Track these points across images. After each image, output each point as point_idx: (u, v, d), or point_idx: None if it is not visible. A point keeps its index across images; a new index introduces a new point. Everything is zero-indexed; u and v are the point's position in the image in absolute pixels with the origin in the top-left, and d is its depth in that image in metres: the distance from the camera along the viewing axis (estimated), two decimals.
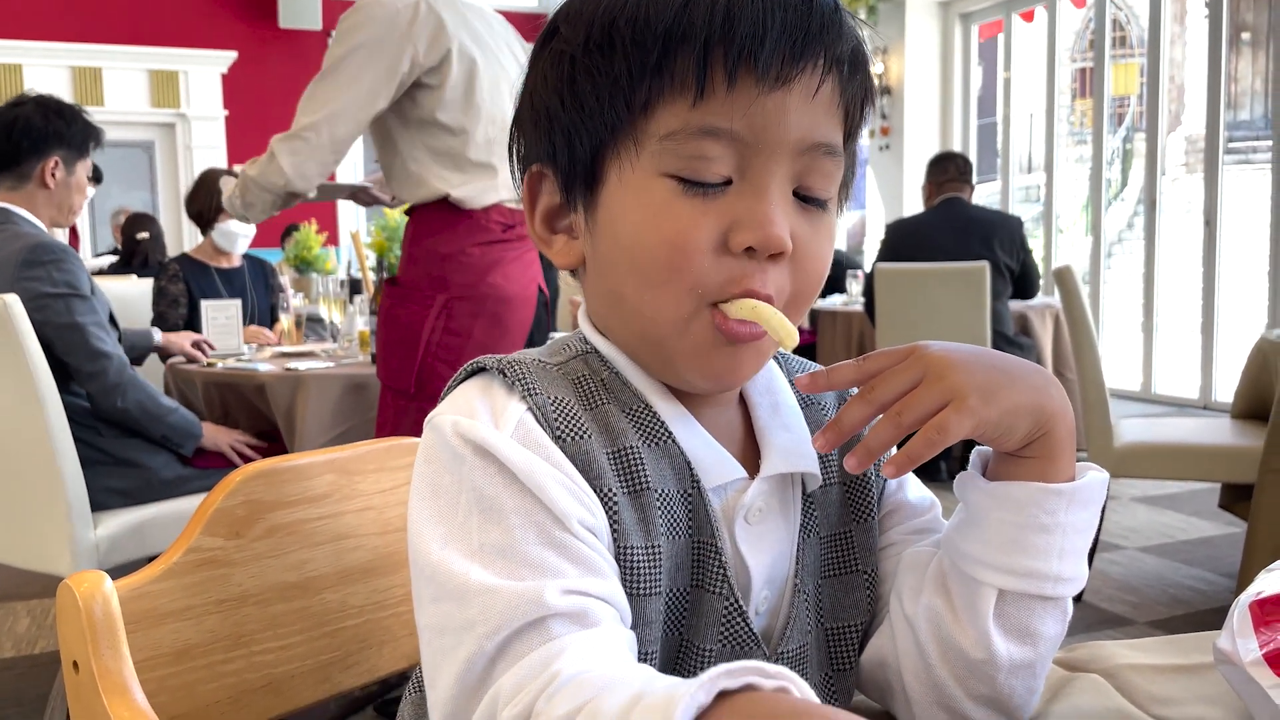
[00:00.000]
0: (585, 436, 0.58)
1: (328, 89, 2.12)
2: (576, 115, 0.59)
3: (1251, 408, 3.05)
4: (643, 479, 0.58)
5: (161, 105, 8.64)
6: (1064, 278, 3.05)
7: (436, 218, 2.22)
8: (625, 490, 0.58)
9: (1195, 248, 6.27)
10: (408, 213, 2.31)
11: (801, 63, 0.56)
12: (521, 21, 2.07)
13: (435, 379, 2.22)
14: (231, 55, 8.72)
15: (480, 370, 0.62)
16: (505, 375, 0.60)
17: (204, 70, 8.70)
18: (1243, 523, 3.05)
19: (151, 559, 2.56)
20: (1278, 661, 0.58)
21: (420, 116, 2.18)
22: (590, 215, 0.61)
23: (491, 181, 2.23)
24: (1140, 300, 6.70)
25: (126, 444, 2.42)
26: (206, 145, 8.73)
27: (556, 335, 2.89)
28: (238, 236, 3.62)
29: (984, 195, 8.42)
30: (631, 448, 0.59)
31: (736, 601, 0.60)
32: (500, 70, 2.26)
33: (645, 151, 0.58)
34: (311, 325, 3.32)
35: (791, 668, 0.62)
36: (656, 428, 0.61)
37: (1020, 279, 4.51)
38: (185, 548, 0.76)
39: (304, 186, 2.17)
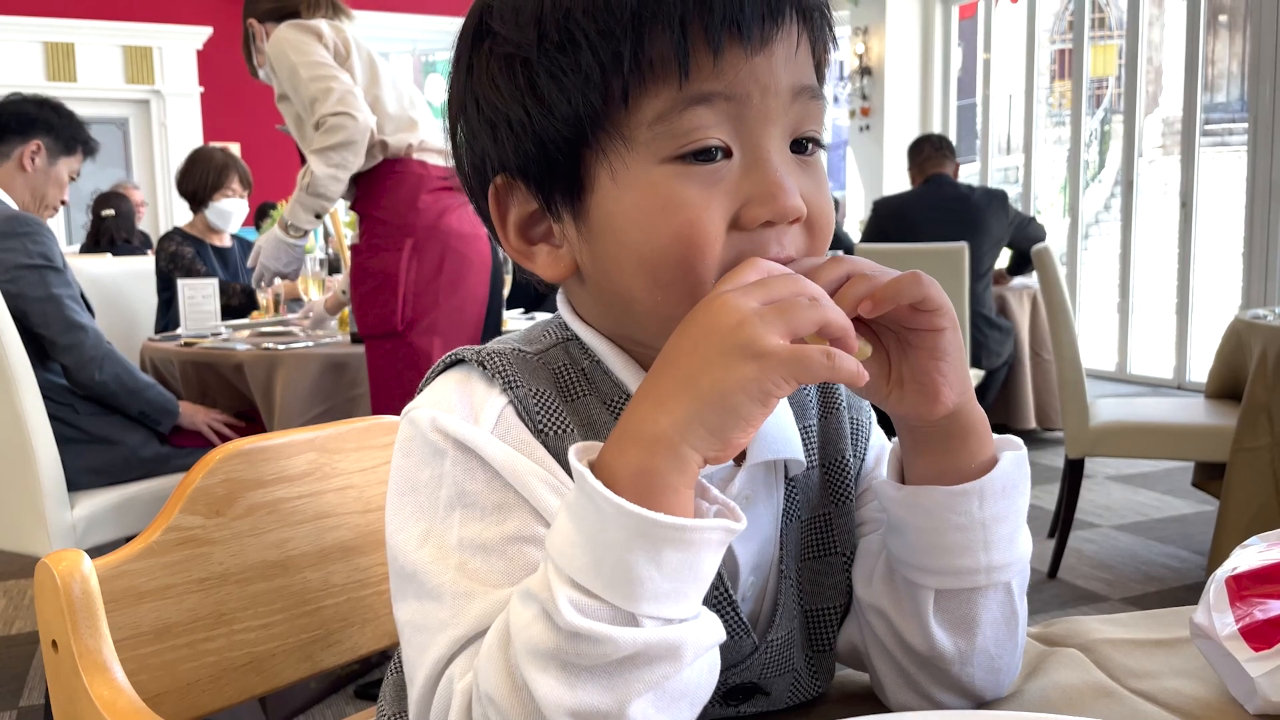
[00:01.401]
0: (567, 431, 0.57)
1: (302, 79, 2.36)
2: (546, 121, 0.55)
3: (1225, 387, 3.09)
4: None
5: (136, 81, 8.52)
6: (1042, 258, 3.07)
7: (384, 178, 2.46)
8: None
9: (1171, 229, 6.32)
10: (352, 191, 2.51)
11: (778, 18, 0.55)
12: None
13: (421, 315, 2.40)
14: (207, 31, 8.61)
15: (458, 361, 0.61)
16: (485, 367, 0.59)
17: (179, 46, 8.59)
18: (1215, 501, 3.09)
19: (130, 539, 2.55)
20: (1253, 635, 0.59)
21: None
22: (581, 221, 0.57)
23: (414, 129, 2.49)
24: (1117, 281, 6.75)
25: (104, 422, 2.40)
26: (182, 122, 8.63)
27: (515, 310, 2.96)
28: (231, 215, 3.61)
29: (964, 176, 8.44)
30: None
31: (726, 591, 0.60)
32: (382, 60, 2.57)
33: (636, 143, 0.54)
34: (291, 305, 3.30)
35: (780, 653, 0.62)
36: None
37: (1017, 250, 4.49)
38: (165, 526, 0.76)
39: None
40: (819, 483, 0.66)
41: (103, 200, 5.50)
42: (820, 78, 0.60)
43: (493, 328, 2.70)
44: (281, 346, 2.63)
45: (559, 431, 0.57)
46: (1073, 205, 7.18)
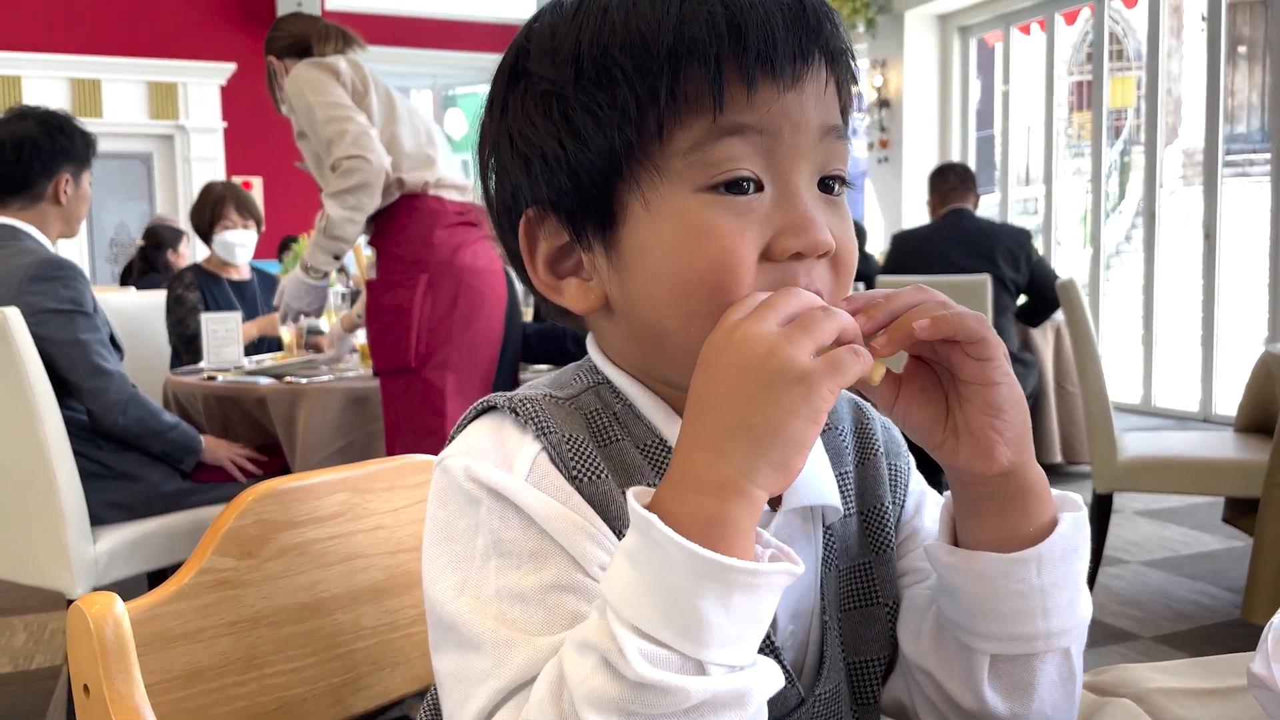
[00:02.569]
0: (602, 476, 0.57)
1: (319, 118, 2.41)
2: (581, 154, 0.57)
3: (1255, 421, 3.04)
4: None
5: (160, 117, 8.64)
6: (1068, 291, 3.05)
7: (399, 215, 2.47)
8: None
9: (1191, 260, 6.28)
10: (369, 227, 2.54)
11: (808, 59, 0.56)
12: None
13: (434, 351, 2.41)
14: (230, 67, 8.73)
15: (490, 409, 0.60)
16: (517, 414, 0.58)
17: (203, 82, 8.71)
18: (1245, 537, 3.04)
19: (151, 574, 2.54)
20: None
21: None
22: (613, 251, 0.58)
23: (430, 167, 2.52)
24: (1140, 313, 6.70)
25: (126, 457, 2.41)
26: (205, 157, 8.73)
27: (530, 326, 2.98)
28: (235, 246, 3.62)
29: (983, 208, 8.43)
30: (649, 486, 0.58)
31: (769, 639, 0.59)
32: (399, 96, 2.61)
33: (669, 173, 0.55)
34: (312, 338, 3.31)
35: (828, 706, 0.61)
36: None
37: (1035, 295, 4.43)
38: (197, 569, 0.75)
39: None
40: (857, 531, 0.65)
41: (149, 233, 5.62)
42: (845, 120, 0.60)
43: (508, 364, 2.70)
44: (304, 380, 2.63)
45: (593, 477, 0.56)
46: (1094, 236, 7.15)
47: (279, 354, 3.04)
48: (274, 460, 2.67)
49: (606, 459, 0.58)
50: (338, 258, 2.54)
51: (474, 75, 9.70)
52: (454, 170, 2.58)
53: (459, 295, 2.44)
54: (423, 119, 2.63)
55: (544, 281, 0.61)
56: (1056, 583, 0.56)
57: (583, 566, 0.54)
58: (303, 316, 2.82)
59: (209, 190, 3.79)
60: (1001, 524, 0.56)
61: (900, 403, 0.56)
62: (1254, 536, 2.76)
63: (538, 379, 0.65)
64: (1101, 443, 3.00)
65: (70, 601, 2.23)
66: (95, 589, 2.24)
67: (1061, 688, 0.59)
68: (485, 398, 0.61)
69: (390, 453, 2.44)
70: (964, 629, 0.58)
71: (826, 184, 0.58)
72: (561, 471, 0.56)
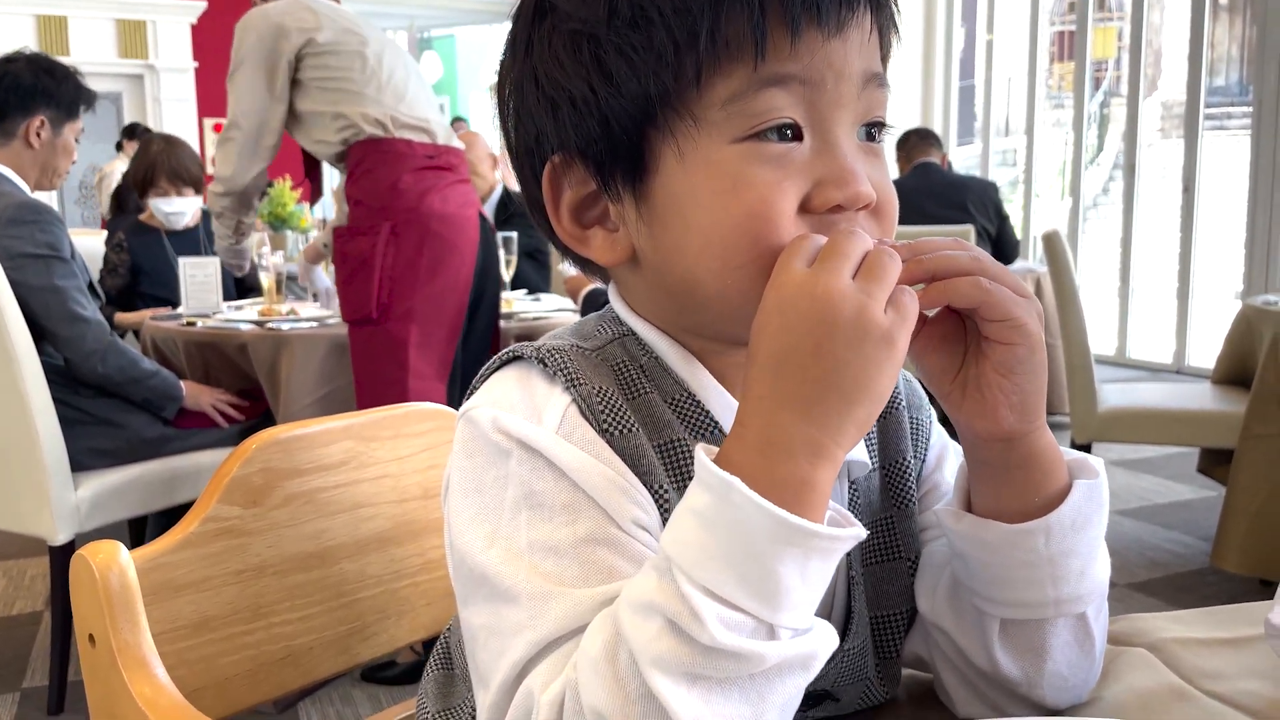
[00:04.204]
0: (632, 430, 0.55)
1: (233, 93, 2.43)
2: (612, 99, 0.54)
3: (1233, 374, 3.08)
4: (693, 473, 0.56)
5: (129, 56, 8.44)
6: (1052, 243, 3.05)
7: (366, 157, 2.39)
8: (676, 486, 0.55)
9: (1170, 213, 6.30)
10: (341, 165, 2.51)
11: (854, 4, 0.54)
12: None
13: (397, 301, 2.36)
14: (201, 5, 8.52)
15: (515, 358, 0.59)
16: (545, 364, 0.56)
17: (173, 20, 8.50)
18: (1219, 487, 3.09)
19: (134, 520, 2.52)
20: None
21: (310, 78, 2.41)
22: (642, 202, 0.56)
23: (393, 103, 2.43)
24: (1117, 265, 6.74)
25: (106, 404, 2.38)
26: (176, 98, 8.55)
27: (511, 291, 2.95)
28: (169, 214, 3.47)
29: (964, 158, 8.42)
30: (679, 440, 0.56)
31: None
32: (373, 33, 2.50)
33: (706, 123, 0.53)
34: (290, 284, 3.26)
35: (855, 661, 0.61)
36: (702, 418, 0.58)
37: (998, 245, 4.55)
38: (201, 517, 0.74)
39: (242, 182, 2.48)
40: (880, 486, 0.64)
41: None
42: (885, 66, 0.59)
43: (489, 311, 2.65)
44: (286, 326, 2.60)
45: (624, 430, 0.55)
46: (1073, 188, 7.17)
47: (264, 305, 2.99)
48: (256, 406, 2.65)
49: (635, 411, 0.56)
50: (237, 233, 2.64)
51: (451, 17, 9.51)
52: (425, 110, 2.48)
53: (424, 243, 2.37)
54: (397, 57, 2.52)
55: (568, 232, 0.59)
56: (1066, 552, 0.55)
57: (616, 521, 0.52)
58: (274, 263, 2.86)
59: (145, 150, 3.57)
60: (1008, 492, 0.56)
61: (918, 343, 0.55)
62: (1227, 486, 2.80)
63: (559, 328, 0.64)
64: (1082, 395, 3.03)
65: (52, 548, 2.22)
66: (77, 535, 2.23)
67: (1077, 649, 0.58)
68: (511, 347, 0.59)
69: (359, 403, 2.42)
70: (974, 592, 0.58)
71: (868, 131, 0.57)
72: (591, 424, 0.55)
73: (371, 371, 2.39)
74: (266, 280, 3.11)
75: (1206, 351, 5.64)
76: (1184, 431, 3.00)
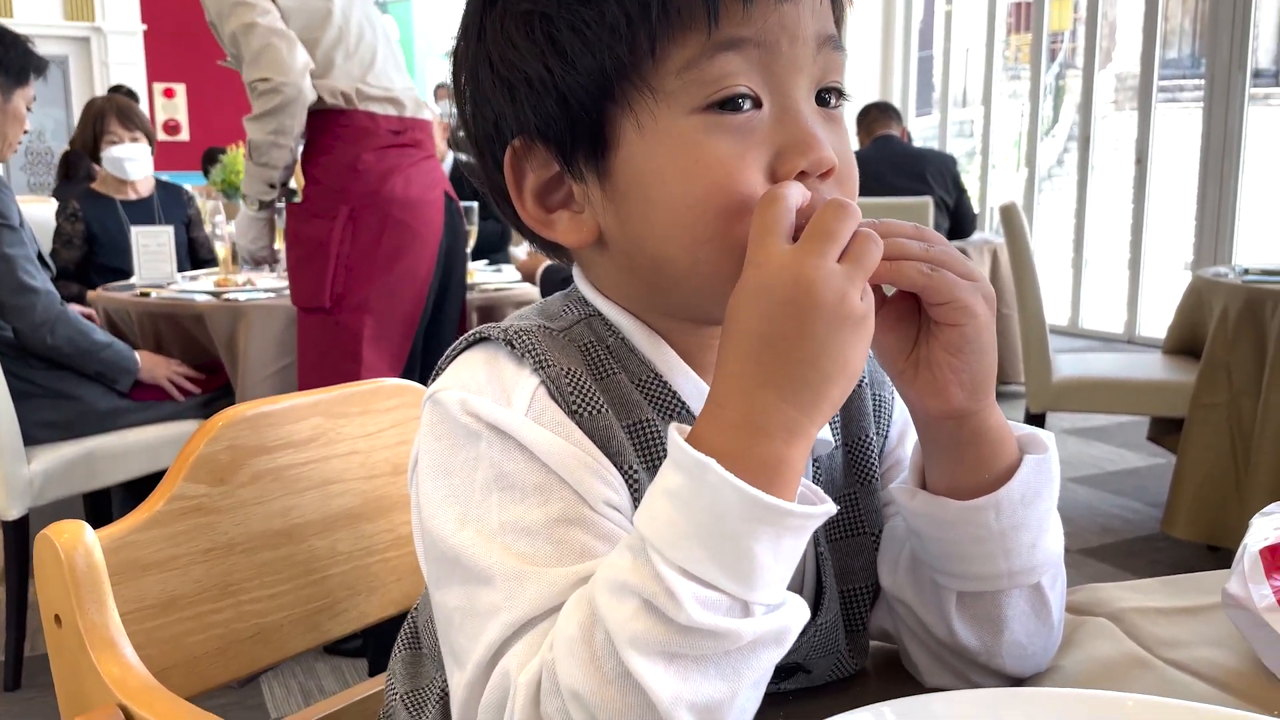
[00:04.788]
0: (601, 411, 0.55)
1: (245, 43, 2.14)
2: (569, 75, 0.54)
3: (1183, 344, 3.14)
4: (663, 453, 0.55)
5: (76, 18, 8.22)
6: (1009, 215, 3.09)
7: (324, 134, 2.23)
8: (646, 466, 0.55)
9: (1123, 185, 6.39)
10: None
11: None
12: None
13: (350, 291, 2.22)
14: None
15: (482, 339, 0.58)
16: (513, 346, 0.56)
17: None
18: (1168, 455, 3.16)
19: (89, 494, 2.49)
20: None
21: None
22: (606, 180, 0.56)
23: (364, 75, 2.25)
24: (1071, 236, 6.83)
25: (59, 376, 2.34)
26: (124, 62, 8.35)
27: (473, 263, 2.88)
28: (124, 161, 3.39)
29: (922, 129, 8.46)
30: (648, 420, 0.56)
31: None
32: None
33: (663, 93, 0.53)
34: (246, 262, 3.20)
35: (827, 635, 0.61)
36: (670, 399, 0.58)
37: (956, 217, 4.60)
38: (168, 495, 0.73)
39: (295, 77, 2.14)
40: (843, 463, 0.65)
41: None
42: (840, 29, 0.59)
43: (457, 297, 2.52)
44: (244, 297, 2.57)
45: (593, 412, 0.55)
46: (1029, 159, 7.24)
47: (220, 276, 2.94)
48: (213, 379, 2.61)
49: (604, 393, 0.56)
50: (274, 186, 2.32)
51: None
52: (391, 79, 2.32)
53: (384, 231, 2.22)
54: (361, 18, 2.34)
55: (533, 216, 0.59)
56: (1016, 525, 0.56)
57: (587, 501, 0.53)
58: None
59: (89, 106, 3.50)
60: (960, 469, 0.56)
61: (875, 323, 0.56)
62: (1177, 454, 2.87)
63: (525, 308, 0.63)
64: (1037, 365, 3.07)
65: (5, 523, 2.19)
66: (31, 510, 2.20)
67: (1034, 619, 0.59)
68: (477, 329, 0.59)
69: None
70: (931, 567, 0.59)
71: (823, 98, 0.57)
72: (561, 405, 0.55)
73: (321, 362, 2.27)
74: (221, 250, 3.06)
75: (1158, 322, 5.74)
76: (1135, 401, 3.06)
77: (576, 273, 0.62)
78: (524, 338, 0.56)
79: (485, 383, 0.55)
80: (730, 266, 0.51)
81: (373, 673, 2.09)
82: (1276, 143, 6.08)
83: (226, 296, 2.59)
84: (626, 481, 0.55)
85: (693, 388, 0.59)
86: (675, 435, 0.48)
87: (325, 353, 2.25)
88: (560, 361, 0.56)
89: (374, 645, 2.21)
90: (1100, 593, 0.73)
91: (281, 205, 2.40)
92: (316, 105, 2.22)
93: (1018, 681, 0.61)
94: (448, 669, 0.54)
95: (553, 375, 0.55)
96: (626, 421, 0.56)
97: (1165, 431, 3.17)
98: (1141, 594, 0.73)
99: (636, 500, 0.54)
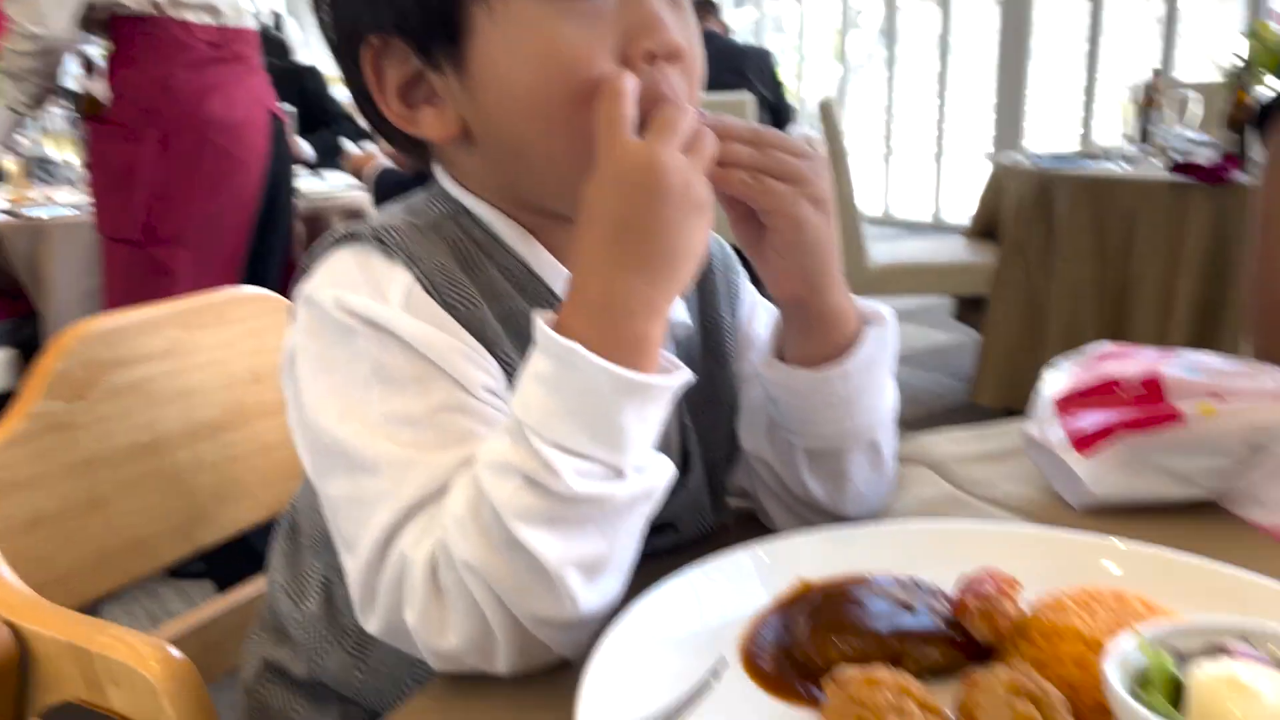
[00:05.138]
0: (475, 303, 0.58)
1: None
2: None
3: (987, 227, 3.36)
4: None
5: None
6: (827, 110, 3.19)
7: (131, 44, 2.02)
8: (520, 351, 0.58)
9: (927, 76, 6.67)
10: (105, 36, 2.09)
11: None
12: None
13: (165, 222, 2.05)
14: None
15: (349, 236, 0.60)
16: (383, 243, 0.58)
17: None
18: (971, 331, 3.41)
19: None
20: (1081, 444, 0.69)
21: None
22: (464, 71, 0.58)
23: None
24: (881, 130, 7.10)
25: None
26: None
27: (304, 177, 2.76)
28: None
29: (742, 23, 8.52)
30: (520, 310, 0.60)
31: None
32: None
33: None
34: (43, 166, 2.99)
35: (695, 496, 0.67)
36: (539, 288, 0.61)
37: (775, 112, 4.70)
38: (25, 414, 0.72)
39: (55, 31, 1.97)
40: (700, 343, 0.70)
41: None
42: None
43: (284, 224, 2.35)
44: (45, 215, 2.40)
45: (467, 305, 0.58)
46: (841, 53, 7.44)
47: (7, 188, 2.73)
48: (16, 304, 2.45)
49: (476, 285, 0.59)
50: (38, 100, 2.14)
51: None
52: None
53: (202, 156, 2.03)
54: None
55: (397, 113, 0.60)
56: (860, 389, 0.63)
57: (466, 388, 0.56)
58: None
59: None
60: (809, 343, 0.62)
61: (729, 215, 0.60)
62: (981, 331, 3.10)
63: (390, 206, 0.65)
64: (853, 253, 3.23)
65: None
66: None
67: (872, 472, 0.67)
68: (343, 226, 0.61)
69: None
70: (785, 429, 0.66)
71: None
72: (435, 299, 0.57)
73: (129, 299, 2.05)
74: (12, 167, 2.85)
75: (960, 207, 6.09)
76: (943, 282, 3.27)
77: (439, 170, 0.64)
78: (393, 235, 0.58)
79: (359, 280, 0.57)
80: (585, 153, 0.54)
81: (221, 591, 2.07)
82: (1064, 31, 6.43)
83: (25, 214, 2.42)
84: (502, 367, 0.58)
85: (550, 269, 0.62)
86: (541, 324, 0.51)
87: (134, 288, 2.03)
88: (432, 257, 0.58)
89: (221, 565, 2.18)
90: (921, 443, 0.82)
91: (81, 117, 2.23)
92: (121, 10, 2.00)
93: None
94: (340, 555, 0.57)
95: (425, 270, 0.57)
96: (499, 311, 0.59)
97: (969, 310, 3.41)
98: (956, 443, 0.83)
99: (513, 384, 0.58)
